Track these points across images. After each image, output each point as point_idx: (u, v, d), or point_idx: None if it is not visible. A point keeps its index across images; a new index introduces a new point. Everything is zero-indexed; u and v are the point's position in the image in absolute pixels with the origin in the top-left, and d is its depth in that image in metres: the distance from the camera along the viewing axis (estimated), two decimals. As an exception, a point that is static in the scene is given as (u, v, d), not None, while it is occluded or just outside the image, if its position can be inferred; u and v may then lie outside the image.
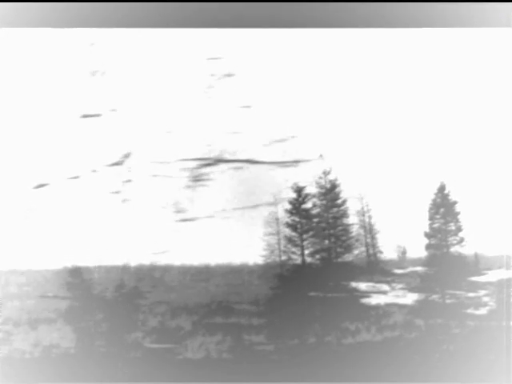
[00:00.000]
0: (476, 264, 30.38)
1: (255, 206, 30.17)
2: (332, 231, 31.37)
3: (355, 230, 31.93)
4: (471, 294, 28.53)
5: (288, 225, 30.67)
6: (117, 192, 29.69)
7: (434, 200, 29.67)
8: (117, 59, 30.33)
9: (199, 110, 30.62)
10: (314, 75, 30.88)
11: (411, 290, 29.89)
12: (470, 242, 29.37)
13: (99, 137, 30.02)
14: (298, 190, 30.72)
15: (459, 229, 29.42)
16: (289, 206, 30.71)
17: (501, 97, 28.85)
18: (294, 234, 30.62)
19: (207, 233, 30.01)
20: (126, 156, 29.91)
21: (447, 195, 29.57)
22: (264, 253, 30.35)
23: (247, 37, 29.80)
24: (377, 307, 28.60)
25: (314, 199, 31.19)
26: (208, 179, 30.23)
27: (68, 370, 23.92)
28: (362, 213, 32.18)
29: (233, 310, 28.18)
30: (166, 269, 30.96)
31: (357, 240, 31.89)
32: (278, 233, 30.62)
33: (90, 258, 28.76)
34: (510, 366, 22.89)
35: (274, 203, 30.63)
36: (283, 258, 30.43)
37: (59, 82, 30.09)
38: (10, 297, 28.72)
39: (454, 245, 29.31)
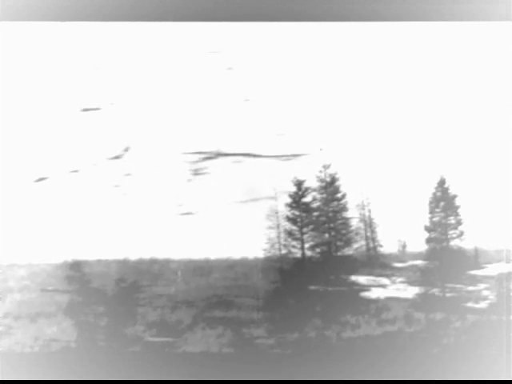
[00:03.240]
0: (476, 258, 30.41)
1: (255, 200, 30.15)
2: (332, 225, 31.35)
3: (355, 223, 31.94)
4: (471, 288, 28.57)
5: (288, 218, 30.64)
6: (117, 186, 29.66)
7: (434, 194, 29.64)
8: (117, 53, 30.21)
9: (199, 104, 30.54)
10: (314, 69, 30.80)
11: (411, 283, 29.91)
12: (470, 236, 29.38)
13: (99, 130, 29.96)
14: (298, 184, 30.68)
15: (459, 222, 29.41)
16: (289, 200, 30.68)
17: (500, 91, 28.80)
18: (294, 227, 30.60)
19: (207, 226, 30.00)
20: (126, 150, 29.85)
21: (447, 189, 29.54)
22: (264, 246, 30.37)
23: (246, 31, 29.69)
24: (377, 301, 28.62)
25: (314, 193, 31.16)
26: (208, 173, 30.19)
27: (68, 364, 23.95)
28: (361, 206, 32.17)
29: (233, 304, 28.20)
30: (166, 263, 30.97)
31: (357, 234, 31.89)
32: (278, 226, 30.61)
33: (90, 251, 28.76)
34: (510, 360, 22.93)
35: (274, 197, 30.60)
36: (283, 251, 30.43)
37: (59, 75, 29.98)
38: (10, 290, 28.73)
39: (454, 238, 29.30)
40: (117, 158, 29.77)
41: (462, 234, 29.31)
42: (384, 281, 30.59)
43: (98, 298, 26.39)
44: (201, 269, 31.17)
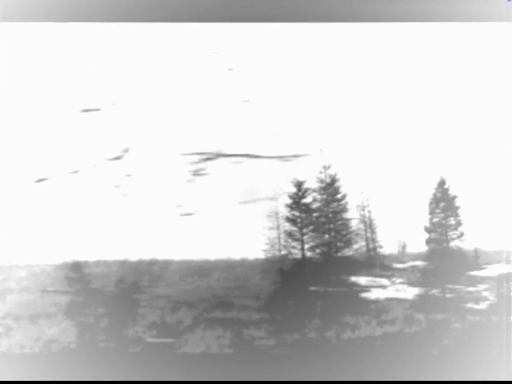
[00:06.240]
0: (476, 258, 30.43)
1: (255, 201, 30.15)
2: (332, 226, 31.37)
3: (355, 224, 31.97)
4: (471, 289, 28.57)
5: (288, 219, 30.65)
6: (117, 186, 29.66)
7: (435, 194, 29.66)
8: (117, 53, 30.22)
9: (199, 105, 30.55)
10: (314, 70, 30.81)
11: (411, 284, 29.92)
12: (470, 237, 29.39)
13: (99, 131, 29.97)
14: (298, 185, 30.69)
15: (459, 223, 29.42)
16: (289, 201, 30.69)
17: (500, 91, 28.81)
18: (294, 228, 30.61)
19: (207, 227, 30.00)
20: (126, 150, 29.86)
21: (447, 190, 29.55)
22: (264, 247, 30.38)
23: (247, 32, 29.70)
24: (377, 302, 28.62)
25: (314, 194, 31.19)
26: (208, 173, 30.20)
27: (68, 365, 23.94)
28: (361, 207, 32.19)
29: (233, 305, 28.20)
30: (166, 263, 30.97)
31: (357, 234, 31.91)
32: (278, 227, 30.61)
33: (90, 252, 28.76)
34: (511, 360, 22.94)
35: (274, 198, 30.62)
36: (283, 252, 30.44)
37: (59, 76, 30.00)
38: (10, 291, 28.73)
39: (454, 239, 29.31)
40: (117, 158, 29.78)
41: (461, 234, 29.31)
42: (384, 282, 30.59)
43: (98, 299, 26.40)
44: (201, 270, 31.18)
